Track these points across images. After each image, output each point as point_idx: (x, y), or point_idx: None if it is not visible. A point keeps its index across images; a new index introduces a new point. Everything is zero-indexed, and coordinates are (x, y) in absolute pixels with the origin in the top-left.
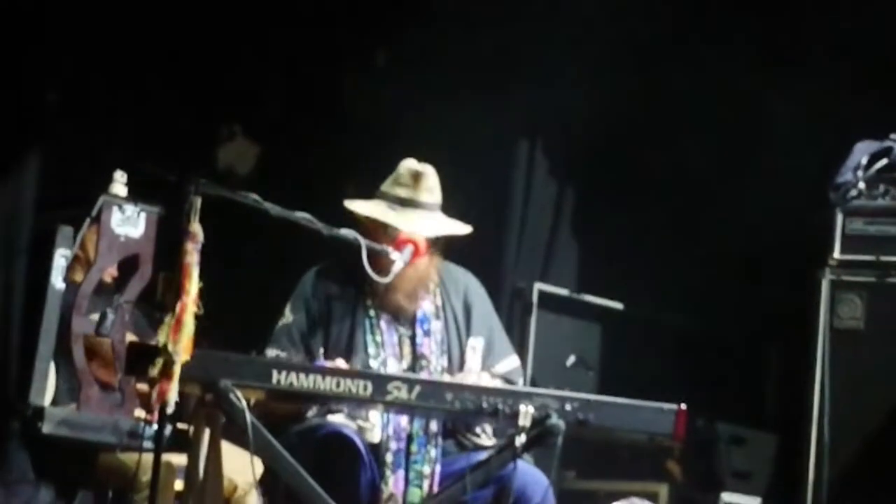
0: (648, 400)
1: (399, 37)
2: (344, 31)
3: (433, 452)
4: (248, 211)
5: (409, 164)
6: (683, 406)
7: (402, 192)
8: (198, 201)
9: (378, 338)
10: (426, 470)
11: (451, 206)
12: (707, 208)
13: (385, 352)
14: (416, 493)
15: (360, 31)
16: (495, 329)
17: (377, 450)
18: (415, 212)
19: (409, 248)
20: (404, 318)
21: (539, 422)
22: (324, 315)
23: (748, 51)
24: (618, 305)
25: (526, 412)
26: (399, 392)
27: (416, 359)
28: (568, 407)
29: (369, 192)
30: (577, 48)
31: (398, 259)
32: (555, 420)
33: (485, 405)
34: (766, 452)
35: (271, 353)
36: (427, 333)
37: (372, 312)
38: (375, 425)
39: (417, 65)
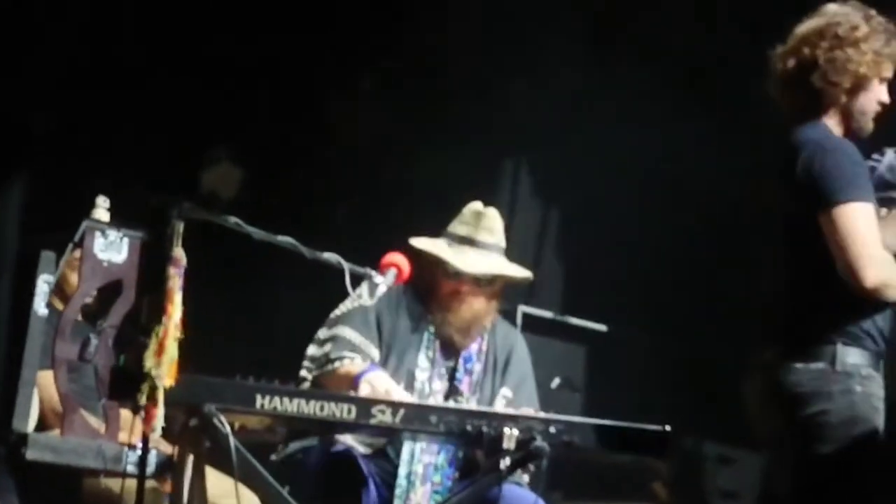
0: (635, 421)
1: (384, 61)
2: (329, 55)
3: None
4: (231, 235)
5: (472, 205)
6: (668, 427)
7: (461, 231)
8: (181, 225)
9: (432, 354)
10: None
11: (435, 228)
12: (690, 228)
13: (433, 370)
14: None
15: (345, 55)
16: (526, 385)
17: (398, 468)
18: (471, 249)
19: (392, 272)
20: (453, 351)
21: (524, 444)
22: (394, 313)
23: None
24: (602, 327)
25: (510, 435)
26: (383, 416)
27: (452, 391)
28: (552, 429)
29: (357, 217)
30: (560, 69)
31: (381, 282)
32: (539, 442)
33: (469, 428)
34: (753, 472)
35: (345, 331)
36: (468, 372)
37: (432, 330)
38: None
39: (402, 88)
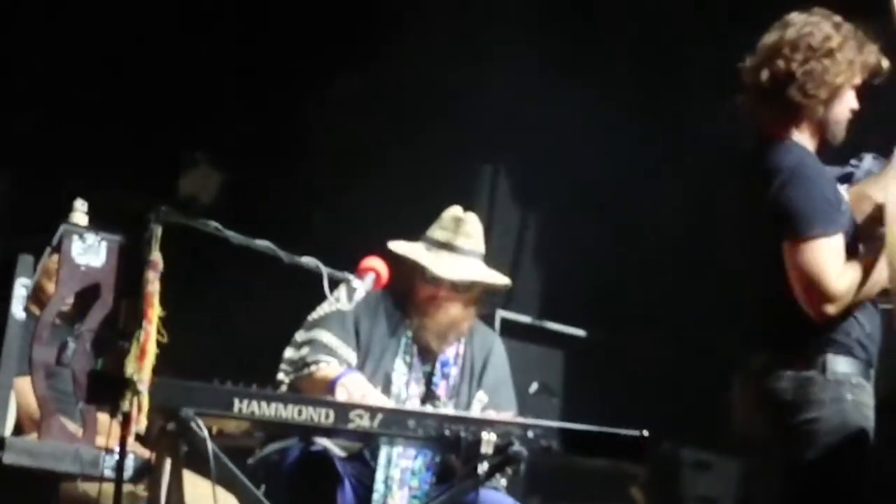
0: (612, 426)
1: (363, 65)
2: (308, 59)
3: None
4: (209, 239)
5: (452, 210)
6: (646, 432)
7: (440, 236)
8: (159, 229)
9: (409, 359)
10: None
11: (414, 233)
12: (669, 234)
13: (410, 374)
14: None
15: (324, 59)
16: (503, 387)
17: (374, 471)
18: (450, 255)
19: (370, 276)
20: (430, 356)
21: (501, 449)
22: (372, 317)
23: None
24: (580, 332)
25: (488, 440)
26: (361, 420)
27: (429, 396)
28: (530, 434)
29: (335, 221)
30: (539, 74)
31: (360, 287)
32: (517, 447)
33: (447, 433)
34: (731, 477)
35: (322, 335)
36: (445, 376)
37: (410, 334)
38: None
39: (382, 93)
